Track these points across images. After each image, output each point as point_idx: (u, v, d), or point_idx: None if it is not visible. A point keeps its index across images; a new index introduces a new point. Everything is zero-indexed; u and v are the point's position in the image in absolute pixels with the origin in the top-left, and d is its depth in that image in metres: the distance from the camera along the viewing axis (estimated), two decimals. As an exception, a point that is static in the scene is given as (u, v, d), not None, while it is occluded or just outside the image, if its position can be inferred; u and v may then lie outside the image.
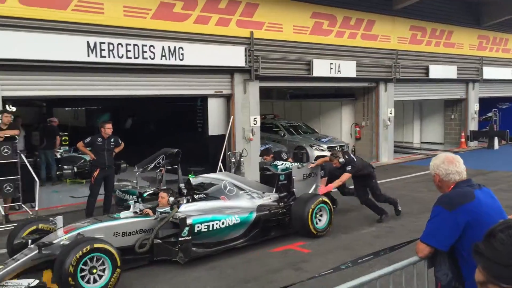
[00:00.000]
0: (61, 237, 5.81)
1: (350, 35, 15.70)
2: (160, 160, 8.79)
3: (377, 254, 3.85)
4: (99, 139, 9.35)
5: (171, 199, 7.02)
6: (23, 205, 8.95)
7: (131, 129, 16.23)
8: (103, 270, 5.57)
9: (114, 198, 9.06)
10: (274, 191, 8.45)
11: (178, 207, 6.80)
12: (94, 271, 5.49)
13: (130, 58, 10.68)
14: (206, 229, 6.70)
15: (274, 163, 9.09)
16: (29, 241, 5.83)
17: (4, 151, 8.66)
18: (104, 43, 10.29)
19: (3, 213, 8.59)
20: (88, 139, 9.41)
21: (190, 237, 6.47)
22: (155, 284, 6.01)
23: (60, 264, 5.24)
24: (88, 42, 10.07)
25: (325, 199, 7.93)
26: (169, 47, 11.30)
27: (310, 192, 8.34)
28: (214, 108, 13.09)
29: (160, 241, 6.46)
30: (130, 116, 17.47)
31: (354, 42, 15.78)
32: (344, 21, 15.47)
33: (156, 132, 16.18)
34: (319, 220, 7.79)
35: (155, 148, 9.22)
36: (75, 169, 12.77)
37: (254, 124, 13.51)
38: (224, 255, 6.94)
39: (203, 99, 13.08)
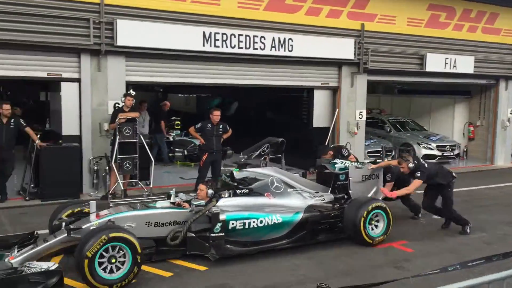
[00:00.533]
0: (92, 222, 5.79)
1: (470, 29, 14.75)
2: (265, 149, 9.03)
3: (489, 259, 3.66)
4: (209, 125, 9.85)
5: (210, 191, 6.65)
6: (139, 182, 9.71)
7: (238, 116, 16.75)
8: (123, 263, 5.41)
9: (219, 182, 9.48)
10: (329, 191, 7.71)
11: (217, 201, 6.46)
12: (113, 260, 5.34)
13: (242, 48, 11.06)
14: (241, 227, 6.34)
15: (334, 161, 8.33)
16: (63, 224, 5.82)
17: (126, 131, 9.44)
18: (218, 33, 10.76)
19: (122, 188, 9.39)
20: (198, 125, 9.97)
21: (223, 234, 6.17)
22: (256, 267, 6.21)
23: (80, 249, 5.19)
24: (204, 32, 10.60)
25: (383, 204, 7.14)
26: (279, 38, 11.50)
27: (369, 196, 7.66)
28: (320, 100, 13.11)
29: (193, 235, 6.23)
30: (235, 103, 18.03)
31: (473, 36, 14.80)
32: (464, 14, 14.57)
33: (262, 121, 16.55)
34: (375, 226, 7.09)
35: (260, 136, 9.47)
36: (185, 152, 13.58)
37: (360, 118, 13.31)
38: (326, 245, 6.95)
39: (309, 90, 13.13)
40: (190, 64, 10.99)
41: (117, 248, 5.35)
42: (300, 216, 6.81)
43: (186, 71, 11.04)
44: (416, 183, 7.53)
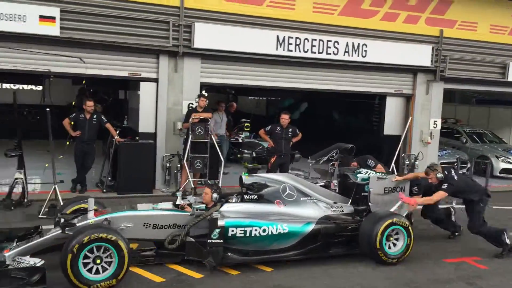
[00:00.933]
0: (89, 220, 5.68)
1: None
2: (334, 154, 8.96)
3: None
4: (278, 128, 9.94)
5: (215, 196, 6.31)
6: (208, 181, 9.97)
7: (307, 120, 16.74)
8: (110, 264, 5.28)
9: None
10: (349, 202, 7.21)
11: (221, 206, 6.23)
12: (98, 261, 5.21)
13: (315, 53, 11.07)
14: (242, 235, 6.01)
15: (358, 170, 7.66)
16: (62, 220, 5.68)
17: (198, 131, 9.75)
18: (292, 37, 10.83)
19: (192, 186, 9.69)
20: (268, 127, 10.09)
21: (222, 241, 5.89)
22: (325, 272, 6.18)
23: (66, 246, 5.08)
24: (277, 36, 10.71)
25: (403, 219, 6.57)
26: (353, 43, 11.39)
27: (392, 210, 6.97)
28: (392, 107, 12.82)
29: (193, 240, 6.01)
30: (305, 107, 17.99)
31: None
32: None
33: (330, 126, 16.43)
34: (393, 244, 6.53)
35: (328, 141, 9.40)
36: (254, 154, 13.73)
37: (434, 127, 12.88)
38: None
39: (382, 97, 12.88)
40: (262, 67, 11.15)
41: (102, 249, 5.22)
42: (310, 227, 6.39)
43: (258, 74, 11.21)
44: (439, 194, 6.96)
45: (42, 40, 9.03)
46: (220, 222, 5.90)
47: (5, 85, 16.43)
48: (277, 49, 10.76)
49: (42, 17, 8.85)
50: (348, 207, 7.06)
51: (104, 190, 9.82)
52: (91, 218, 5.72)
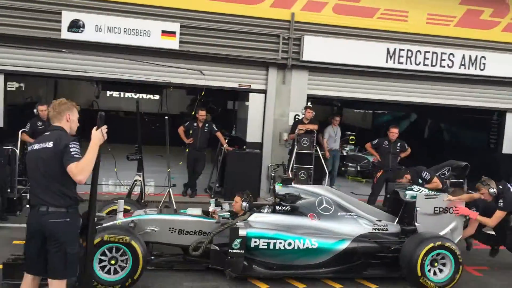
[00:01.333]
0: (116, 221, 5.72)
1: None
2: (446, 172, 8.51)
3: None
4: (386, 142, 9.69)
5: (244, 204, 6.13)
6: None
7: (414, 135, 16.12)
8: (125, 264, 5.28)
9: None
10: (396, 221, 6.63)
11: (250, 215, 6.02)
12: (113, 262, 5.24)
13: (427, 65, 10.72)
14: (265, 247, 5.70)
15: (411, 186, 7.04)
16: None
17: (303, 142, 9.87)
18: (403, 49, 10.58)
19: (296, 196, 9.79)
20: (375, 141, 9.88)
21: (243, 251, 5.60)
22: None
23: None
24: (388, 49, 10.53)
25: (452, 244, 5.88)
26: (470, 55, 10.85)
27: (442, 233, 6.27)
28: (514, 124, 11.91)
29: (217, 248, 5.79)
30: (412, 121, 17.32)
31: None
32: None
33: (439, 141, 15.64)
34: (440, 270, 5.89)
35: (436, 158, 8.96)
36: (358, 168, 13.55)
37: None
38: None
39: (501, 113, 12.01)
40: (370, 80, 11.01)
41: (121, 251, 5.26)
42: (345, 244, 5.94)
43: (365, 87, 11.09)
44: (497, 214, 6.27)
45: (163, 53, 9.76)
46: (242, 232, 5.64)
47: (128, 94, 17.92)
48: (386, 62, 10.57)
49: (164, 32, 9.58)
50: (395, 226, 6.51)
51: (212, 195, 10.25)
52: (120, 219, 5.80)
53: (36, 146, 3.90)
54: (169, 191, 8.53)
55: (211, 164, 11.21)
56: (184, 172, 10.42)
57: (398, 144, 9.68)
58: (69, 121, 4.02)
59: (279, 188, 6.46)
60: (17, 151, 8.58)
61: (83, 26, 9.27)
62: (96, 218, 5.70)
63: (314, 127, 10.06)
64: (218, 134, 10.24)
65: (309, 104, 10.85)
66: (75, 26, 9.25)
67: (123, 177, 9.13)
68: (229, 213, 6.23)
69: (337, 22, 10.49)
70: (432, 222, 6.35)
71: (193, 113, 10.12)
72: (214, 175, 10.73)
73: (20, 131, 8.83)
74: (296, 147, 9.86)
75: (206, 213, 6.31)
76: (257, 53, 10.26)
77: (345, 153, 14.26)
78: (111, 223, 5.71)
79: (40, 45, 9.23)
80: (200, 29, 9.94)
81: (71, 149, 3.73)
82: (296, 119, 10.42)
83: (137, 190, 9.02)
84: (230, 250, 5.59)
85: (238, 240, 5.59)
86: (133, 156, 8.99)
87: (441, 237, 6.08)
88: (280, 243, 5.74)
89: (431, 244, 5.79)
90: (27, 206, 4.93)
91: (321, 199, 6.39)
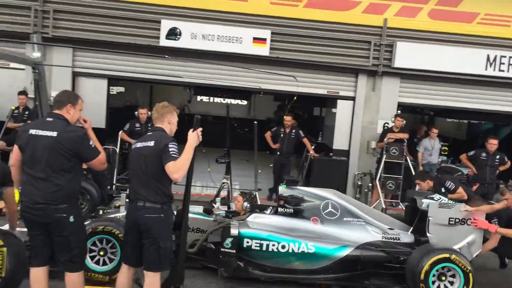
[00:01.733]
0: (118, 214, 5.87)
1: None
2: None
3: None
4: (484, 154, 9.12)
5: (245, 204, 6.15)
6: (400, 203, 9.67)
7: (510, 147, 15.00)
8: (114, 257, 5.32)
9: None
10: (410, 231, 6.22)
11: (248, 216, 5.92)
12: (102, 253, 5.31)
13: (532, 73, 9.95)
14: (257, 248, 5.55)
15: (431, 195, 6.39)
16: (100, 212, 6.05)
17: (393, 151, 9.56)
18: (505, 56, 9.97)
19: (383, 207, 9.49)
20: (472, 152, 9.35)
21: (234, 251, 5.48)
22: None
23: None
24: (488, 55, 9.96)
25: (463, 260, 5.37)
26: None
27: (458, 247, 5.78)
28: None
29: (213, 246, 5.74)
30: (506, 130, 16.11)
31: None
32: None
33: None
34: (450, 283, 5.40)
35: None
36: (451, 180, 12.82)
37: None
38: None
39: None
40: (466, 88, 10.54)
41: (111, 243, 5.30)
42: (347, 250, 5.67)
43: (461, 95, 10.62)
44: None
45: (253, 60, 9.97)
46: (233, 231, 5.55)
47: (217, 99, 18.48)
48: (486, 69, 10.02)
49: (256, 39, 9.81)
50: (408, 236, 6.14)
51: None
52: (122, 212, 5.87)
53: (139, 145, 4.18)
54: (255, 195, 8.65)
55: (295, 170, 11.25)
56: (269, 178, 10.53)
57: (497, 157, 9.08)
58: (170, 123, 4.30)
59: (283, 190, 6.29)
60: (117, 151, 9.19)
61: (180, 34, 9.75)
62: (102, 211, 6.15)
63: (405, 136, 9.72)
64: (305, 140, 10.24)
65: (399, 112, 10.52)
66: (173, 33, 9.76)
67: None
68: (225, 212, 6.27)
69: (432, 28, 10.11)
70: (447, 234, 5.92)
71: (284, 117, 10.24)
72: (300, 181, 10.72)
73: (120, 131, 9.45)
74: (384, 156, 9.59)
75: (208, 212, 6.33)
76: (347, 60, 10.16)
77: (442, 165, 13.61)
78: (112, 215, 5.90)
79: (140, 51, 9.83)
80: (290, 35, 10.04)
81: (170, 149, 3.95)
82: (386, 127, 10.14)
83: (224, 192, 9.29)
84: (221, 249, 5.55)
85: (230, 240, 5.52)
86: (222, 159, 9.27)
87: (449, 249, 5.61)
88: (273, 245, 5.61)
89: (437, 256, 5.41)
90: (127, 200, 5.29)
91: (326, 203, 6.19)
